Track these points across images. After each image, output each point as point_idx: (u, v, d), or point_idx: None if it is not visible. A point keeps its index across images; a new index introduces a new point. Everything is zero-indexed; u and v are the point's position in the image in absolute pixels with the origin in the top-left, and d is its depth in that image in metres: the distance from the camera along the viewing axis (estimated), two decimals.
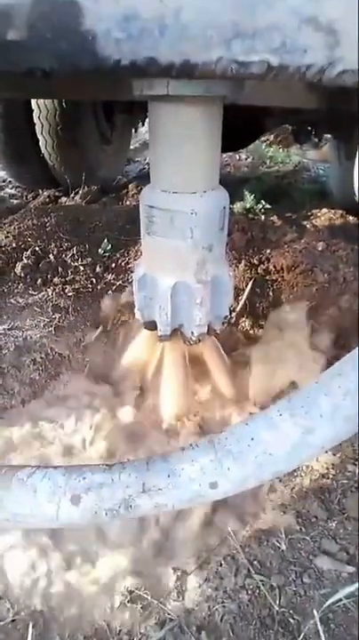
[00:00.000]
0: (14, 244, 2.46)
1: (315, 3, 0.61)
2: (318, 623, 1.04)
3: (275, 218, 3.14)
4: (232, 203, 3.31)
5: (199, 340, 1.40)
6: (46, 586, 1.15)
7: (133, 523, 1.28)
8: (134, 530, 1.27)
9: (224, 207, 1.28)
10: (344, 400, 0.74)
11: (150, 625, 1.08)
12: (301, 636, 1.03)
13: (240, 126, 2.20)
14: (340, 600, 1.08)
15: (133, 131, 4.13)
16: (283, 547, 1.20)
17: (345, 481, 1.36)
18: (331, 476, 1.38)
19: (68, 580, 1.17)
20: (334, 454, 1.44)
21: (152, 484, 0.75)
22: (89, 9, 0.62)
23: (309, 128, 3.21)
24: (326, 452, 1.41)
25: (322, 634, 1.03)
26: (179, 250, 1.25)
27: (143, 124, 3.90)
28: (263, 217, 3.17)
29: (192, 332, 1.36)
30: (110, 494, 0.75)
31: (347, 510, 1.28)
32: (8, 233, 2.55)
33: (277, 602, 1.10)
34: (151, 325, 1.44)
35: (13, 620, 1.09)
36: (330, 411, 0.75)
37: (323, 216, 3.28)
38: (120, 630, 1.08)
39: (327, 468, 1.40)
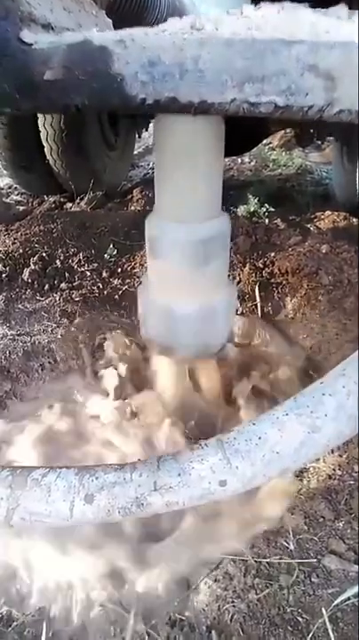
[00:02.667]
0: (21, 250, 2.49)
1: (315, 53, 0.70)
2: (327, 622, 1.05)
3: (278, 221, 3.16)
4: (236, 206, 3.36)
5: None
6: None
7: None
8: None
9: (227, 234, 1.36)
10: (348, 399, 0.76)
11: (161, 624, 1.10)
12: (310, 635, 1.05)
13: (243, 130, 2.23)
14: (349, 599, 1.09)
15: (137, 136, 4.17)
16: (291, 547, 1.22)
17: (351, 481, 1.37)
18: (337, 477, 1.39)
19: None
20: (340, 455, 1.46)
21: (163, 483, 0.77)
22: (118, 54, 0.71)
23: (312, 131, 3.24)
24: (332, 452, 1.43)
25: (331, 632, 1.04)
26: (186, 275, 1.32)
27: (147, 130, 3.94)
28: (267, 220, 3.19)
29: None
30: (123, 493, 0.77)
31: (354, 510, 1.29)
32: (15, 239, 2.59)
33: (286, 601, 1.11)
34: (167, 350, 1.51)
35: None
36: (334, 410, 0.77)
37: (327, 218, 3.29)
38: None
39: (334, 469, 1.42)
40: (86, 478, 0.79)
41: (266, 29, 0.71)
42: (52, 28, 0.88)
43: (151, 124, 3.81)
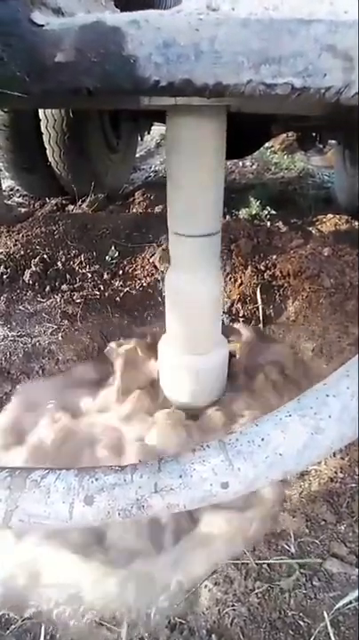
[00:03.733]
0: (23, 252, 2.49)
1: (333, 33, 0.69)
2: (328, 626, 1.04)
3: (280, 224, 3.16)
4: (238, 209, 3.36)
5: None
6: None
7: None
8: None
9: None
10: (352, 400, 0.75)
11: (160, 628, 1.09)
12: (312, 639, 1.03)
13: (244, 133, 2.23)
14: (351, 603, 1.08)
15: (139, 139, 4.17)
16: (293, 550, 1.21)
17: (353, 484, 1.36)
18: (339, 480, 1.38)
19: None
20: (342, 458, 1.45)
21: (164, 485, 0.76)
22: (131, 35, 0.70)
23: (314, 134, 3.24)
24: (334, 454, 1.42)
25: (332, 637, 1.03)
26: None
27: (149, 133, 3.94)
28: (269, 223, 3.19)
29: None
30: (123, 494, 0.76)
31: (356, 513, 1.28)
32: (16, 241, 2.59)
33: (287, 605, 1.10)
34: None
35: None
36: (338, 411, 0.76)
37: (329, 221, 3.29)
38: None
39: (335, 472, 1.41)
40: (86, 480, 0.78)
41: (283, 9, 0.71)
42: (63, 14, 0.85)
43: (153, 127, 3.83)
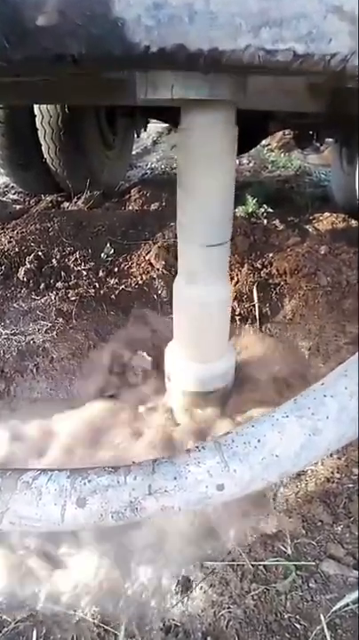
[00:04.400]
0: (17, 249, 2.47)
1: None
2: (325, 628, 1.03)
3: (277, 222, 3.14)
4: (235, 207, 3.34)
5: None
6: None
7: None
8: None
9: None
10: (351, 401, 0.74)
11: (155, 630, 1.07)
12: None
13: (241, 131, 2.21)
14: (347, 605, 1.06)
15: (136, 135, 4.15)
16: (289, 551, 1.19)
17: (350, 485, 1.35)
18: (336, 480, 1.37)
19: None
20: (339, 458, 1.43)
21: (158, 487, 0.74)
22: None
23: (311, 132, 3.22)
24: (331, 455, 1.41)
25: (329, 639, 1.01)
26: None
27: (145, 129, 3.91)
28: (265, 221, 3.18)
29: None
30: (116, 497, 0.74)
31: (353, 514, 1.27)
32: (11, 238, 2.56)
33: (283, 607, 1.09)
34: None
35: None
36: (336, 412, 0.74)
37: (326, 220, 3.28)
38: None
39: (332, 472, 1.39)
40: (78, 481, 0.76)
41: None
42: None
43: (149, 124, 3.80)
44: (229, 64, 0.69)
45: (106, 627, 1.08)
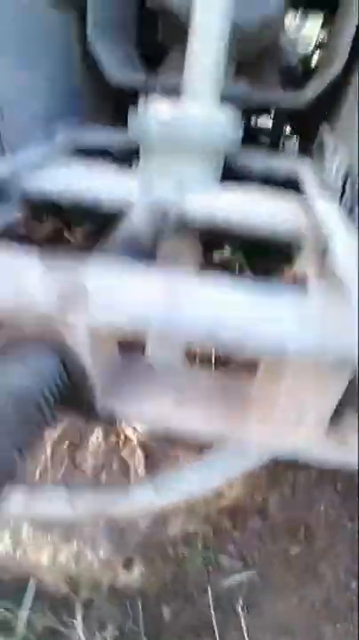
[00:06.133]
0: None
1: None
2: (210, 599, 1.66)
3: None
4: None
5: None
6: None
7: None
8: None
9: None
10: None
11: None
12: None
13: None
14: (233, 582, 1.70)
15: None
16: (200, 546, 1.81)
17: (250, 504, 1.94)
18: (241, 500, 1.96)
19: None
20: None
21: None
22: None
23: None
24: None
25: (212, 603, 1.65)
26: None
27: None
28: None
29: None
30: None
31: (248, 524, 1.88)
32: None
33: (190, 581, 1.72)
34: None
35: None
36: None
37: None
38: None
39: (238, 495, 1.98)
40: None
41: None
42: None
43: None
44: None
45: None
